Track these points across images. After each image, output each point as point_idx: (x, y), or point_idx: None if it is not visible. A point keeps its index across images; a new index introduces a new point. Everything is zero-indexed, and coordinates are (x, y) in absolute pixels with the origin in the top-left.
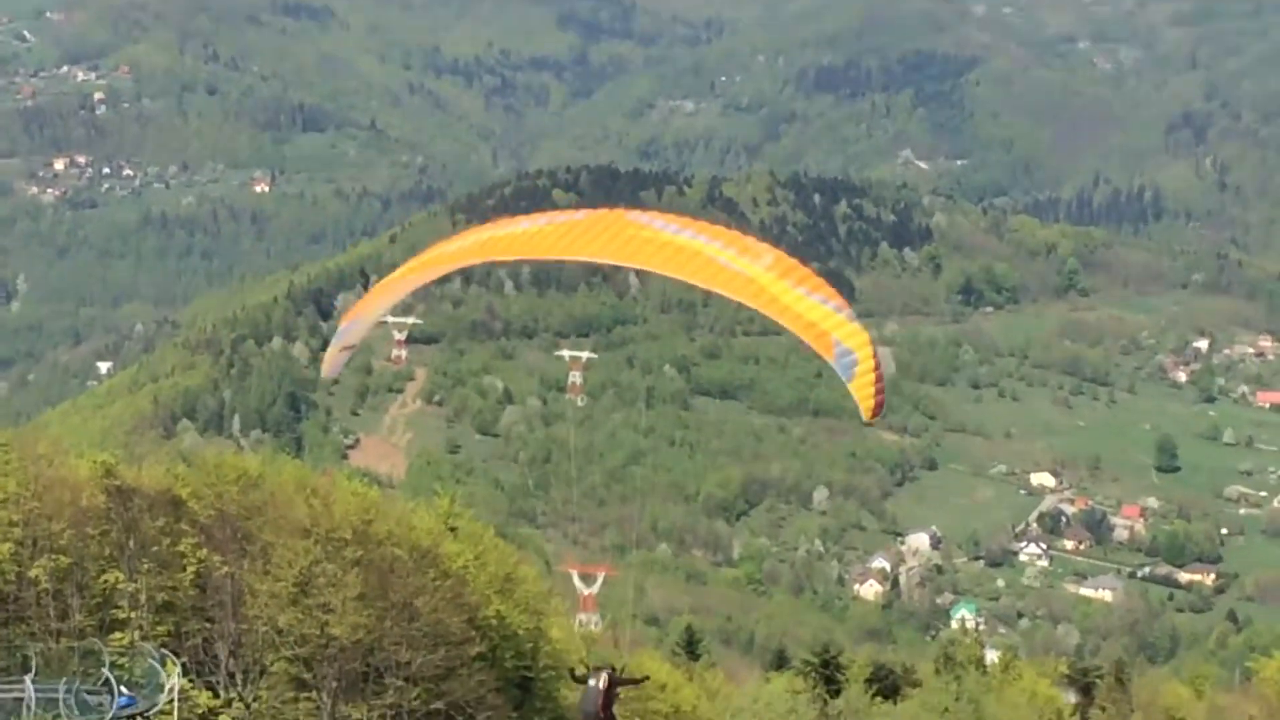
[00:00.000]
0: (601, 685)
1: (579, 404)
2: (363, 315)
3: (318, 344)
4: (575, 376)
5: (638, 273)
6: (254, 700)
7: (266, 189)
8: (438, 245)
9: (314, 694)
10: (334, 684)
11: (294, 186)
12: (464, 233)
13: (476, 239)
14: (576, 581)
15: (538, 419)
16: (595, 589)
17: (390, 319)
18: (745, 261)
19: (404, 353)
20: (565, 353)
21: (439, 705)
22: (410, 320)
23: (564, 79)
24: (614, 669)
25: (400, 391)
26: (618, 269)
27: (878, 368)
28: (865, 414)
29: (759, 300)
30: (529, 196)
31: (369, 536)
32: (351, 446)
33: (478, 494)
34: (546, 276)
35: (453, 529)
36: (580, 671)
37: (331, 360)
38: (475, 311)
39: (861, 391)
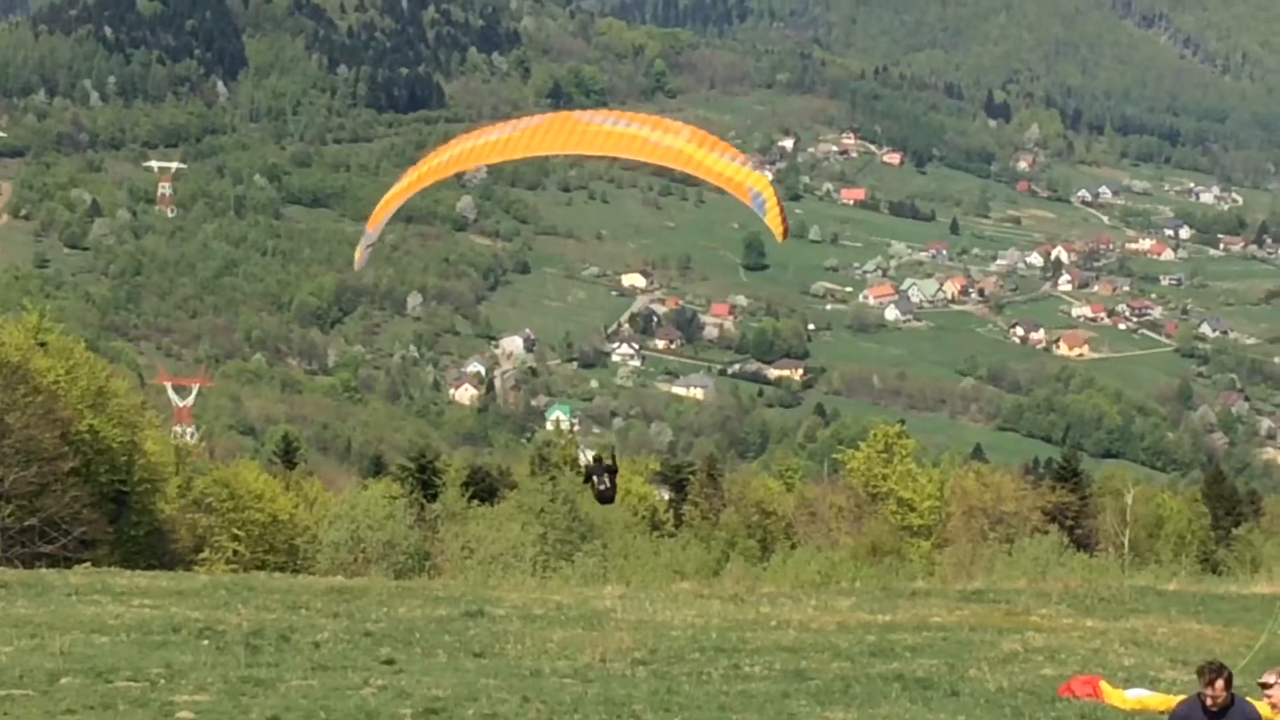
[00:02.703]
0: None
1: (169, 215)
2: (379, 221)
3: None
4: (165, 188)
5: (225, 81)
6: None
7: None
8: (431, 156)
9: None
10: None
11: None
12: (449, 143)
13: (462, 148)
14: (171, 394)
15: (127, 231)
16: (190, 401)
17: None
18: (670, 138)
19: None
20: (154, 164)
21: (33, 522)
22: None
23: None
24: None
25: None
26: (205, 79)
27: (780, 201)
28: (778, 236)
29: (688, 165)
30: (113, 6)
31: None
32: None
33: (68, 308)
34: (133, 87)
35: (42, 344)
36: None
37: (360, 258)
38: (61, 124)
39: (773, 221)
